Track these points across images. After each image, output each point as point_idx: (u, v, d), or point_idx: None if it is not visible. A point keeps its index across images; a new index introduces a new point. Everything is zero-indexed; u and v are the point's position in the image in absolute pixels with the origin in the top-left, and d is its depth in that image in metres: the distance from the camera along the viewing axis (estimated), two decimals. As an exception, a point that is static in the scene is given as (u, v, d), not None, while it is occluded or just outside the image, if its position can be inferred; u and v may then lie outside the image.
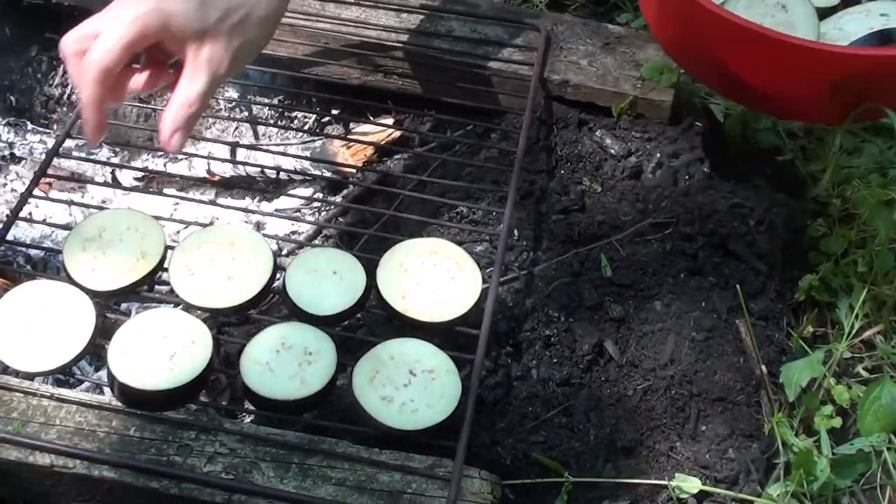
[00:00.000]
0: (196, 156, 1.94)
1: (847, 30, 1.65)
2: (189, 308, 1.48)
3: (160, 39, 1.30)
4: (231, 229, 1.55)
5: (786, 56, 1.51)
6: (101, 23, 1.30)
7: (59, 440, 1.35)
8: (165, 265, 1.50)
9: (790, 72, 1.54)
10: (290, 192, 1.99)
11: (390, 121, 2.00)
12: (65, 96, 2.18)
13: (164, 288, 1.71)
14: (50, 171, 1.70)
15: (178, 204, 1.96)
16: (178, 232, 1.88)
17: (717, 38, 1.60)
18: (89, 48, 1.28)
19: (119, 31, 1.27)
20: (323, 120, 2.10)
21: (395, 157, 1.96)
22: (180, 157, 1.97)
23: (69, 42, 1.32)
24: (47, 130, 2.10)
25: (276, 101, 2.11)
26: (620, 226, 1.74)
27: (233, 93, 2.13)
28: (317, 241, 1.87)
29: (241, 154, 1.99)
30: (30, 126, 2.09)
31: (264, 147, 2.06)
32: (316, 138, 2.04)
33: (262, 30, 1.38)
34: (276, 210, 1.97)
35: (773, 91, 1.61)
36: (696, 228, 1.72)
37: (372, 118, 2.01)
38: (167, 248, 1.51)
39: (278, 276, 1.52)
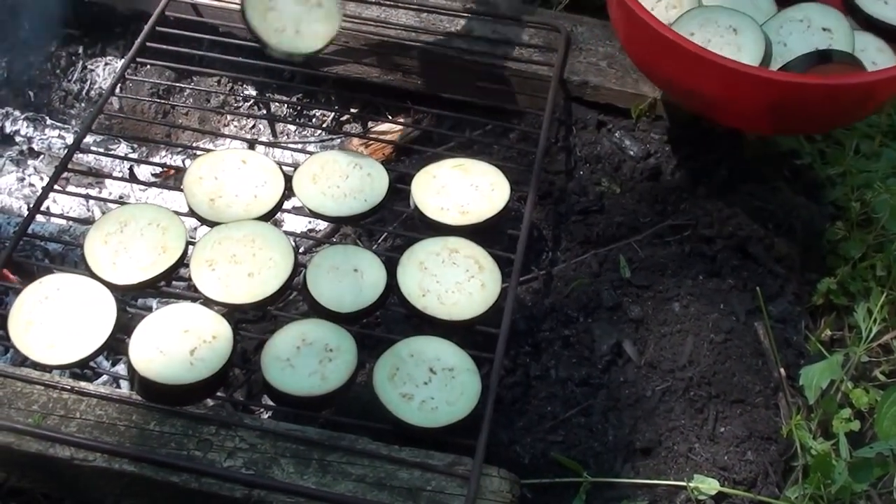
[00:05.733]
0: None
1: (790, 45, 1.67)
2: (207, 303, 1.49)
3: None
4: (253, 225, 1.55)
5: (726, 77, 1.54)
6: None
7: (80, 433, 1.35)
8: (186, 260, 1.50)
9: (730, 90, 1.56)
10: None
11: (409, 120, 2.00)
12: (83, 92, 2.19)
13: (182, 284, 1.72)
14: (68, 166, 1.70)
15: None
16: (195, 228, 1.88)
17: (668, 58, 1.62)
18: None
19: None
20: (342, 118, 2.10)
21: (414, 155, 1.96)
22: (199, 153, 1.97)
23: None
24: (66, 126, 2.11)
25: (294, 99, 2.12)
26: (639, 227, 1.74)
27: (251, 90, 2.13)
28: (334, 239, 1.87)
29: (260, 151, 1.98)
30: (48, 121, 2.09)
31: (283, 144, 2.06)
32: (334, 136, 2.04)
33: None
34: (294, 207, 1.97)
35: (717, 104, 1.65)
36: (714, 231, 1.72)
37: (391, 117, 2.01)
38: (188, 243, 1.52)
39: (298, 272, 1.52)
